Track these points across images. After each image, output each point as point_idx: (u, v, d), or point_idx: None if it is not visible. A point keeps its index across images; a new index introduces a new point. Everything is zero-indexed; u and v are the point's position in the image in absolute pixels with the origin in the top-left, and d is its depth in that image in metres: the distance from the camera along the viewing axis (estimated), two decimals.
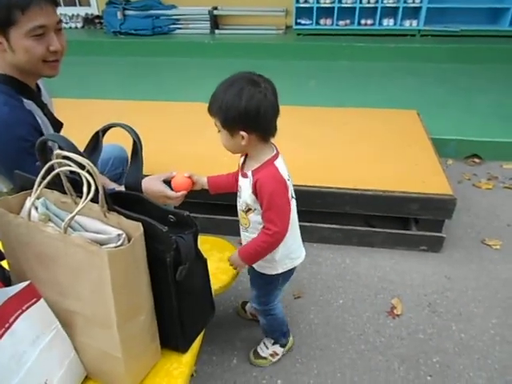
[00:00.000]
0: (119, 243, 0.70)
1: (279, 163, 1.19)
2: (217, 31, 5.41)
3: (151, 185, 1.29)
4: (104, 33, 5.57)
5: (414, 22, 4.89)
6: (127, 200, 0.80)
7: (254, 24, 5.41)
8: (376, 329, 1.74)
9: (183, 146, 2.46)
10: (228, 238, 2.08)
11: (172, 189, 1.36)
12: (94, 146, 0.85)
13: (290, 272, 1.43)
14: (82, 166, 0.70)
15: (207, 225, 2.22)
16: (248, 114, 1.07)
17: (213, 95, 1.13)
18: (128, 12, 5.36)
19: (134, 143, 0.83)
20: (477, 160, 2.97)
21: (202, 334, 0.98)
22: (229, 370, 1.59)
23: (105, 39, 5.40)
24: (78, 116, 2.64)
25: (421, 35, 4.93)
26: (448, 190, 1.99)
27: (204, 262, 0.87)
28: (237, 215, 2.26)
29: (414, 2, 4.77)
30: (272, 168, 1.17)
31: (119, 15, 5.30)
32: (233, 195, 2.22)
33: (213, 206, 2.22)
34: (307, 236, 2.18)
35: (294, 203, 1.29)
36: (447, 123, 3.15)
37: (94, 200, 0.73)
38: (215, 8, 5.38)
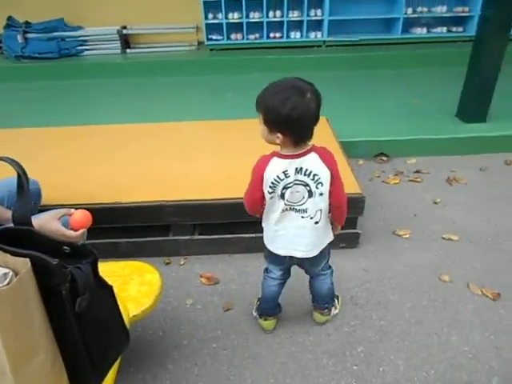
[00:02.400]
0: (5, 283, 0.67)
1: (277, 161, 1.33)
2: (128, 50, 5.33)
3: (46, 224, 1.19)
4: (5, 58, 5.22)
5: (319, 34, 5.20)
6: (17, 236, 0.77)
7: (166, 41, 5.41)
8: (304, 329, 1.80)
9: (96, 169, 2.38)
10: (152, 260, 2.06)
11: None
12: None
13: (272, 254, 1.54)
14: None
15: (130, 249, 2.17)
16: (288, 121, 1.21)
17: (262, 94, 1.27)
18: (29, 35, 5.09)
19: (19, 176, 0.79)
20: (384, 158, 3.22)
21: (117, 364, 0.95)
22: None
23: (6, 64, 5.06)
24: None
25: (326, 46, 5.25)
26: (357, 189, 2.13)
27: (109, 289, 0.86)
28: (158, 235, 2.26)
29: (316, 15, 5.08)
30: (263, 157, 1.36)
31: (20, 38, 5.02)
32: (153, 216, 2.19)
33: (134, 228, 2.17)
34: (233, 247, 2.23)
35: (274, 200, 1.39)
36: (355, 126, 3.37)
37: None
38: (124, 27, 5.30)
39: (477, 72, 3.14)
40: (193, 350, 1.71)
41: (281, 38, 5.21)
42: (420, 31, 5.23)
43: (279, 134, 1.26)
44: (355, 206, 2.13)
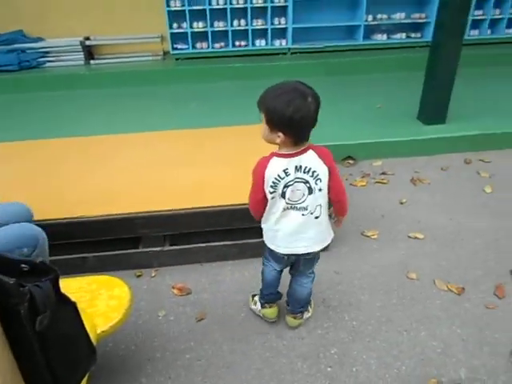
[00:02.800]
0: None
1: (277, 160, 1.39)
2: (92, 61, 5.25)
3: None
4: None
5: (284, 42, 5.28)
6: None
7: (131, 52, 5.37)
8: (278, 334, 1.81)
9: (62, 183, 2.33)
10: (123, 273, 2.04)
11: None
12: None
13: (272, 252, 1.61)
14: None
15: (99, 263, 2.13)
16: (290, 122, 1.27)
17: (264, 96, 1.33)
18: None
19: None
20: (351, 161, 3.29)
21: (84, 381, 0.93)
22: None
23: None
24: None
25: (291, 53, 5.34)
26: None
27: (72, 306, 0.84)
28: (125, 249, 2.22)
29: (280, 24, 5.16)
30: (262, 158, 1.43)
31: None
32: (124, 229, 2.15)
33: (102, 241, 2.13)
34: (204, 256, 2.22)
35: (275, 200, 1.45)
36: (323, 131, 3.39)
37: None
38: (87, 38, 5.22)
39: (434, 76, 3.27)
40: (166, 362, 1.68)
41: (246, 46, 5.26)
42: (381, 37, 5.40)
43: (280, 134, 1.33)
44: None
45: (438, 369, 1.63)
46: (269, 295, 1.81)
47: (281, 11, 5.15)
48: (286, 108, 1.26)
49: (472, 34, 5.44)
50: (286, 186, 1.41)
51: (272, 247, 1.59)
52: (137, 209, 2.09)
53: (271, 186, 1.42)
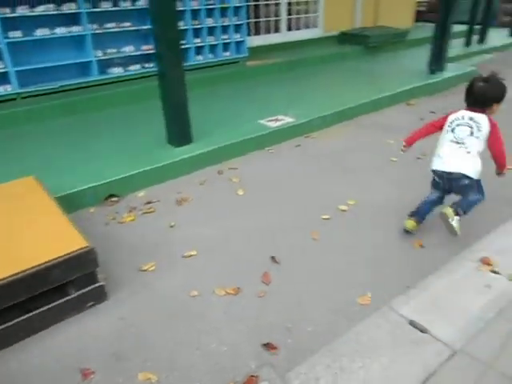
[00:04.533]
0: None
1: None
2: None
3: None
4: None
5: (9, 87, 4.70)
6: None
7: None
8: None
9: None
10: None
11: None
12: None
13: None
14: None
15: None
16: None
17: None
18: None
19: None
20: (115, 199, 3.19)
21: None
22: None
23: None
24: None
25: (22, 98, 4.81)
26: (83, 243, 2.02)
27: None
28: None
29: None
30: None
31: None
32: None
33: None
34: None
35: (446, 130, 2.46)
36: (76, 175, 3.21)
37: None
38: None
39: (169, 102, 3.51)
40: None
41: None
42: (117, 70, 5.45)
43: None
44: (87, 260, 2.02)
45: (232, 371, 1.74)
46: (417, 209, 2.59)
47: None
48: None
49: (198, 59, 6.10)
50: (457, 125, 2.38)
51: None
52: None
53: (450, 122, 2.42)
